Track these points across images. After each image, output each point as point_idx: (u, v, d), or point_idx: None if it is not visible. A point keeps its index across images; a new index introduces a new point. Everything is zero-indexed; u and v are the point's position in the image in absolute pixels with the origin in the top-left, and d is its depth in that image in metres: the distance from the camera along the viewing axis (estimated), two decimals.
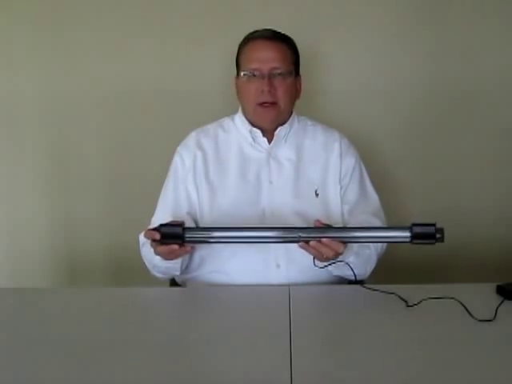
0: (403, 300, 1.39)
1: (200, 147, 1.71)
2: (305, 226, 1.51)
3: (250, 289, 1.54)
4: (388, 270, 1.62)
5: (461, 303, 1.36)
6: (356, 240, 1.44)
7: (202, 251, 1.63)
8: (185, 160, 1.70)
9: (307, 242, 1.40)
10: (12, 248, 2.34)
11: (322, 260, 1.45)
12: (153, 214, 1.71)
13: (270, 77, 1.62)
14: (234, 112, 1.75)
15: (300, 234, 1.41)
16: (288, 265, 1.60)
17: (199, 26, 2.13)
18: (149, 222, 1.69)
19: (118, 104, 2.21)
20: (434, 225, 1.35)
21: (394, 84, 2.16)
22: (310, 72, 1.89)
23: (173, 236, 1.42)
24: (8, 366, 1.17)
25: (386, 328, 1.30)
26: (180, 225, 1.44)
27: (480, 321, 1.29)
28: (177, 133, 1.75)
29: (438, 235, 1.35)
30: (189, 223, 1.63)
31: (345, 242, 1.41)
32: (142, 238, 1.67)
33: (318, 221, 1.45)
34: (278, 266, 1.60)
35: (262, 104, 1.63)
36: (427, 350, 1.19)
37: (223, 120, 1.77)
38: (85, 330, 1.32)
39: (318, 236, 1.40)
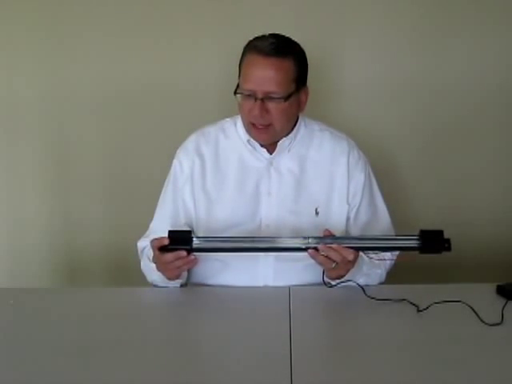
0: (414, 305, 1.38)
1: (199, 153, 1.64)
2: None
3: (251, 289, 1.54)
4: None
5: (470, 306, 1.35)
6: (363, 245, 1.44)
7: None
8: (183, 166, 1.65)
9: (317, 250, 1.40)
10: (12, 248, 2.34)
11: (329, 268, 1.43)
12: (152, 216, 1.70)
13: (264, 100, 1.49)
14: (234, 111, 1.66)
15: (309, 241, 1.42)
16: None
17: (199, 25, 2.12)
18: (148, 222, 1.70)
19: (118, 104, 2.21)
20: (441, 232, 1.39)
21: (394, 84, 2.15)
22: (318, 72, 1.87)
23: (181, 240, 1.41)
24: (8, 366, 1.17)
25: (389, 329, 1.30)
26: (189, 231, 1.45)
27: (490, 325, 1.28)
28: (177, 133, 1.74)
29: (446, 244, 1.39)
30: None
31: (355, 249, 1.41)
32: (140, 244, 1.67)
33: (327, 230, 1.44)
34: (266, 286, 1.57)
35: (254, 125, 1.55)
36: (429, 351, 1.19)
37: (225, 122, 1.69)
38: (84, 330, 1.32)
39: (328, 242, 1.41)
